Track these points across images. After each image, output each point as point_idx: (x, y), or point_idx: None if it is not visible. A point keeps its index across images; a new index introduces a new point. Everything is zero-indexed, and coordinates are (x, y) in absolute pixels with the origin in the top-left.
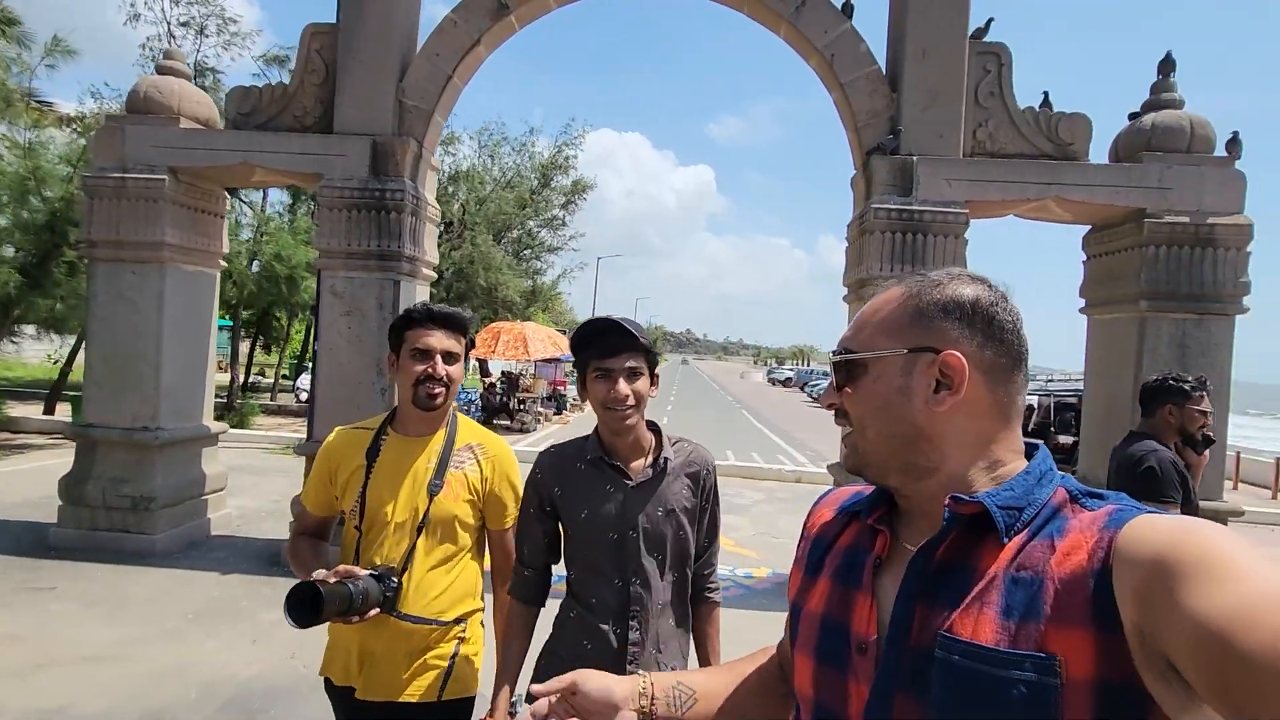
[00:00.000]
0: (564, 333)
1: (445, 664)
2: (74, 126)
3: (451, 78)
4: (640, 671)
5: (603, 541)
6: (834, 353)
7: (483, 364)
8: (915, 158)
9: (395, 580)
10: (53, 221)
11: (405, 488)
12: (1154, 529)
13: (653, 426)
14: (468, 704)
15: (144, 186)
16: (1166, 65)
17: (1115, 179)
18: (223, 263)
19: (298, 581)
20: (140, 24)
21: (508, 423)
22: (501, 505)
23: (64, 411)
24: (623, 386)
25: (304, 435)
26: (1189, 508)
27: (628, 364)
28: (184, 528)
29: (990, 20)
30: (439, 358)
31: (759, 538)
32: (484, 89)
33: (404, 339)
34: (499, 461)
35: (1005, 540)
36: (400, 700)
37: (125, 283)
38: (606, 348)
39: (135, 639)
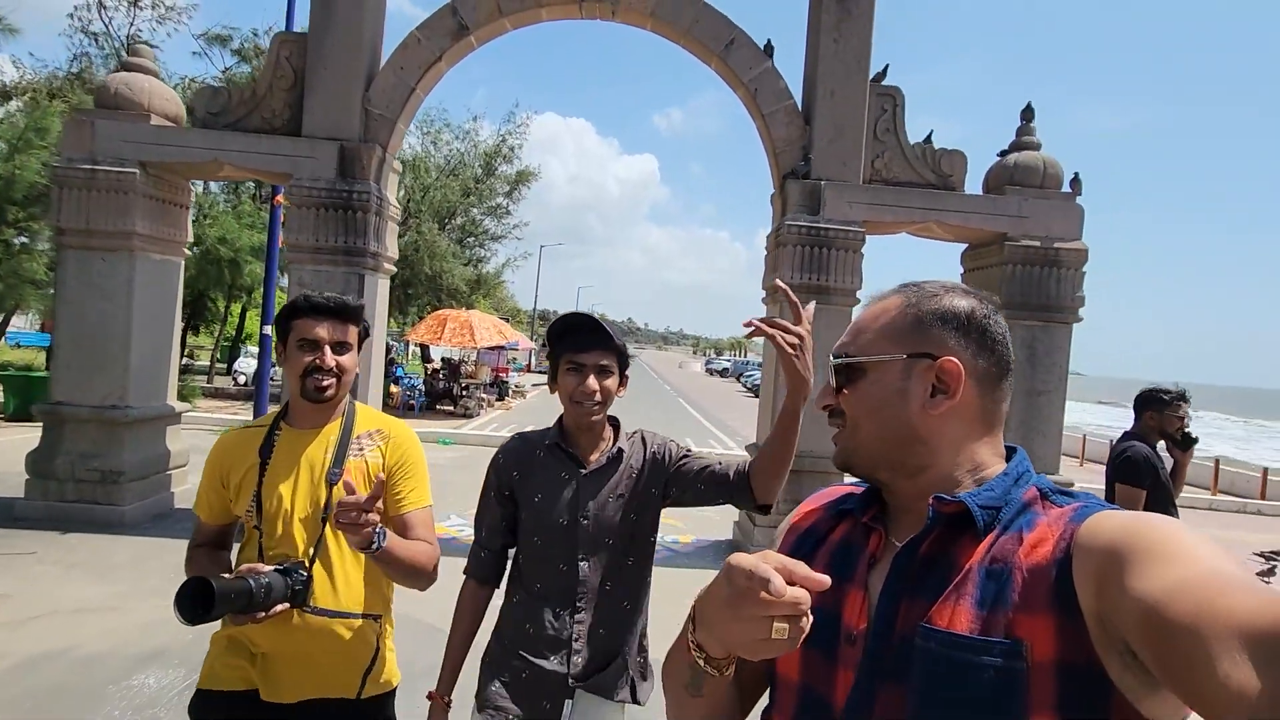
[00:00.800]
0: (506, 320)
1: (368, 659)
2: (18, 100)
3: (415, 89)
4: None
5: (553, 526)
6: (834, 356)
7: (424, 350)
8: (823, 182)
9: (304, 573)
10: None
11: (303, 480)
12: (1111, 521)
13: (612, 421)
14: (389, 697)
15: (115, 179)
16: (1028, 114)
17: (984, 207)
18: (186, 250)
19: (189, 577)
20: None
21: (450, 408)
22: (399, 490)
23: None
24: (592, 382)
25: (247, 417)
26: (1161, 493)
27: (600, 361)
28: (150, 500)
29: (886, 66)
30: (328, 348)
31: (683, 511)
32: None
33: (290, 329)
34: (401, 444)
35: (982, 537)
36: (318, 698)
37: (95, 270)
38: (581, 343)
39: (124, 594)
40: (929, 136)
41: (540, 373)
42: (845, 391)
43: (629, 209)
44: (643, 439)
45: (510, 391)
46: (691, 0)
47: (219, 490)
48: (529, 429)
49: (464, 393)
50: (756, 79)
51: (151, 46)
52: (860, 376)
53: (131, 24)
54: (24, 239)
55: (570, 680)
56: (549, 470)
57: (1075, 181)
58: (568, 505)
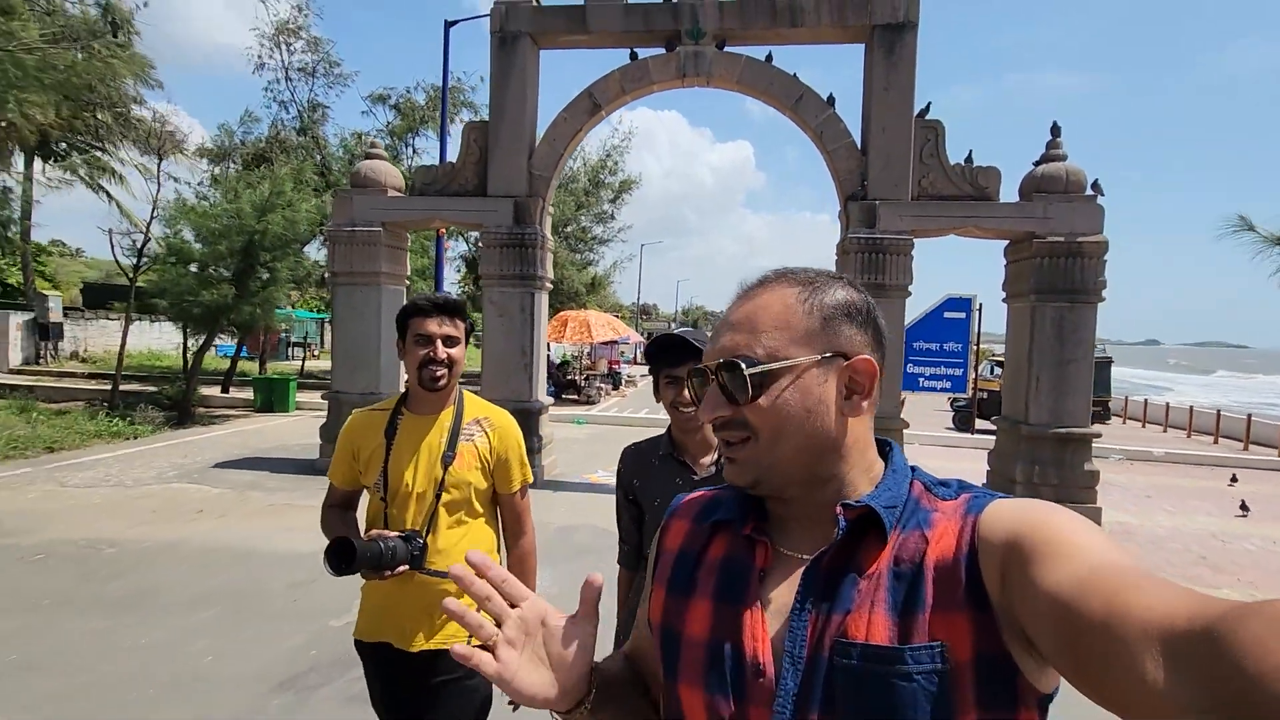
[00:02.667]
0: (619, 316)
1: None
2: (208, 157)
3: (562, 155)
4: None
5: None
6: (723, 363)
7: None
8: (877, 202)
9: (421, 540)
10: (248, 246)
11: (423, 460)
12: (1008, 513)
13: None
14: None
15: (366, 235)
16: (1055, 130)
17: (1014, 212)
18: (407, 280)
19: (335, 537)
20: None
21: (575, 396)
22: (508, 471)
23: (238, 391)
24: (688, 393)
25: None
26: None
27: None
28: None
29: (929, 104)
30: (439, 342)
31: None
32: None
33: (408, 327)
34: (504, 433)
35: (885, 539)
36: (437, 647)
37: (355, 299)
38: (674, 358)
39: None
40: (969, 156)
41: (644, 365)
42: (757, 402)
43: (724, 198)
44: None
45: (623, 381)
46: (766, 68)
47: (350, 462)
48: (639, 441)
49: (586, 383)
50: (821, 124)
51: (325, 108)
52: (771, 383)
53: (310, 90)
54: (267, 275)
55: None
56: (664, 477)
57: (1096, 185)
58: None
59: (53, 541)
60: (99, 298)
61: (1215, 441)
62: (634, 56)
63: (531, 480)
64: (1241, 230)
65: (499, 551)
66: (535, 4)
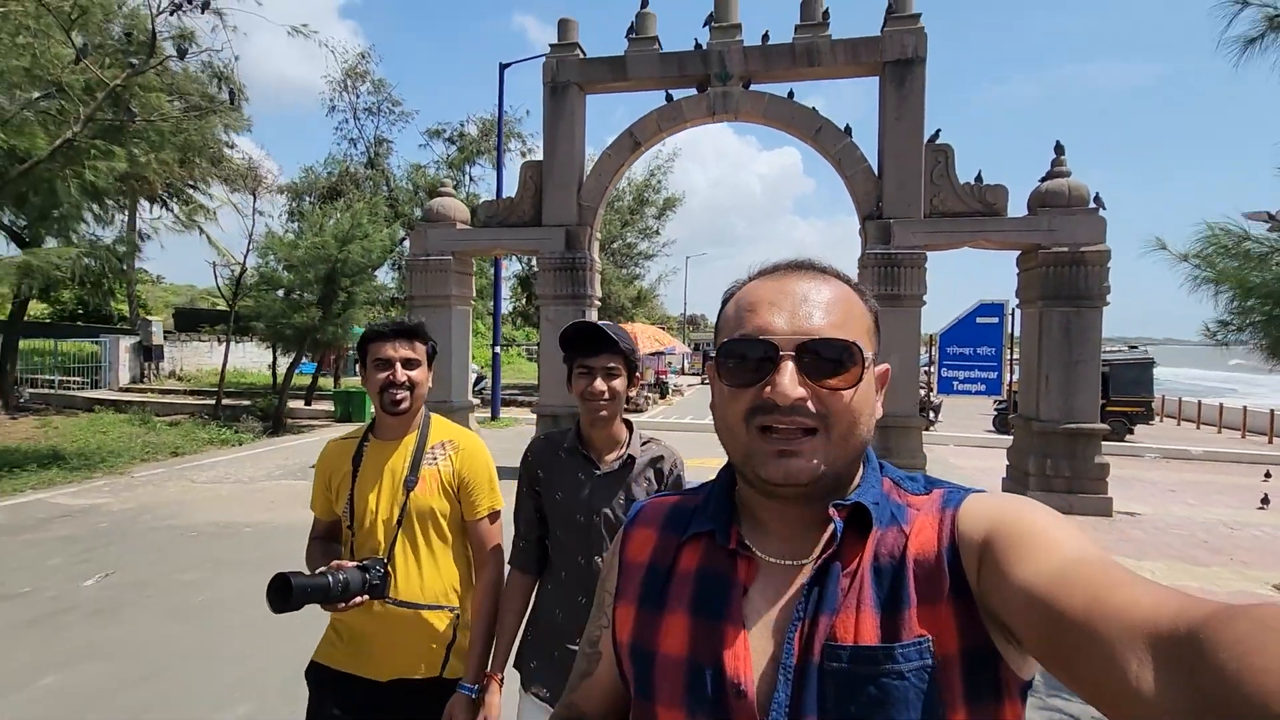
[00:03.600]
0: (659, 326)
1: (447, 644)
2: (288, 193)
3: (607, 186)
4: None
5: (572, 523)
6: (829, 341)
7: None
8: (892, 221)
9: (381, 569)
10: (330, 274)
11: (386, 486)
12: (985, 506)
13: (628, 425)
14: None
15: (439, 264)
16: (1059, 149)
17: (1020, 226)
18: (473, 301)
19: (276, 573)
20: (334, 112)
21: (625, 405)
22: (472, 496)
23: (318, 404)
24: (599, 384)
25: (486, 415)
26: None
27: (606, 364)
28: None
29: (938, 130)
30: (398, 365)
31: None
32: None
33: (367, 352)
34: (469, 455)
35: (865, 537)
36: (409, 678)
37: (429, 319)
38: (589, 348)
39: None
40: (978, 175)
41: (694, 374)
42: (842, 389)
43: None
44: (655, 453)
45: (670, 390)
46: (787, 103)
47: (324, 492)
48: (551, 431)
49: (634, 391)
50: (840, 151)
51: (389, 142)
52: (862, 374)
53: (376, 127)
54: (345, 298)
55: None
56: (568, 470)
57: (1097, 199)
58: (584, 504)
59: (201, 523)
60: (189, 321)
61: (1270, 440)
62: (669, 98)
63: (501, 507)
64: (1157, 249)
65: (468, 583)
66: (581, 56)
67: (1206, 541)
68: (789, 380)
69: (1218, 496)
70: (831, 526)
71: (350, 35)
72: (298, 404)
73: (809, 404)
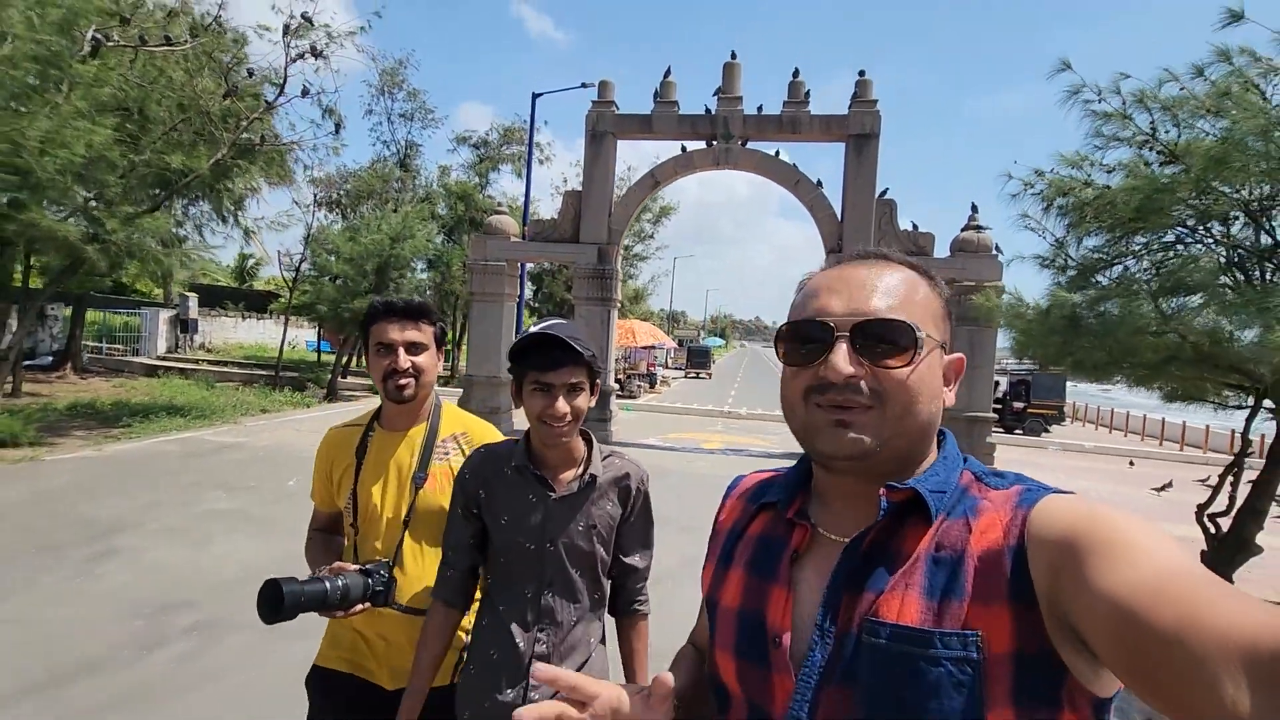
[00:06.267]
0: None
1: (458, 652)
2: (321, 186)
3: (631, 214)
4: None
5: (520, 550)
6: (884, 320)
7: None
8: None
9: (385, 574)
10: (383, 266)
11: (392, 482)
12: (1064, 508)
13: (585, 437)
14: None
15: (495, 268)
16: (974, 208)
17: (941, 265)
18: (516, 297)
19: (266, 580)
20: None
21: (619, 391)
22: None
23: (354, 379)
24: (561, 405)
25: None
26: None
27: (569, 380)
28: (510, 423)
29: (886, 189)
30: (401, 350)
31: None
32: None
33: (369, 334)
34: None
35: (929, 525)
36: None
37: (486, 311)
38: (548, 361)
39: None
40: (914, 224)
41: (677, 368)
42: (899, 368)
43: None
44: (619, 470)
45: (658, 380)
46: (774, 160)
47: (326, 483)
48: (492, 443)
49: (628, 380)
50: (811, 200)
51: (418, 146)
52: (913, 350)
53: (408, 133)
54: (393, 288)
55: None
56: (516, 491)
57: (997, 247)
58: (535, 530)
59: None
60: (211, 299)
61: (1142, 439)
62: (684, 149)
63: None
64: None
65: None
66: (615, 110)
67: None
68: (842, 358)
69: (1089, 477)
70: (883, 505)
71: (344, 11)
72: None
73: (863, 382)
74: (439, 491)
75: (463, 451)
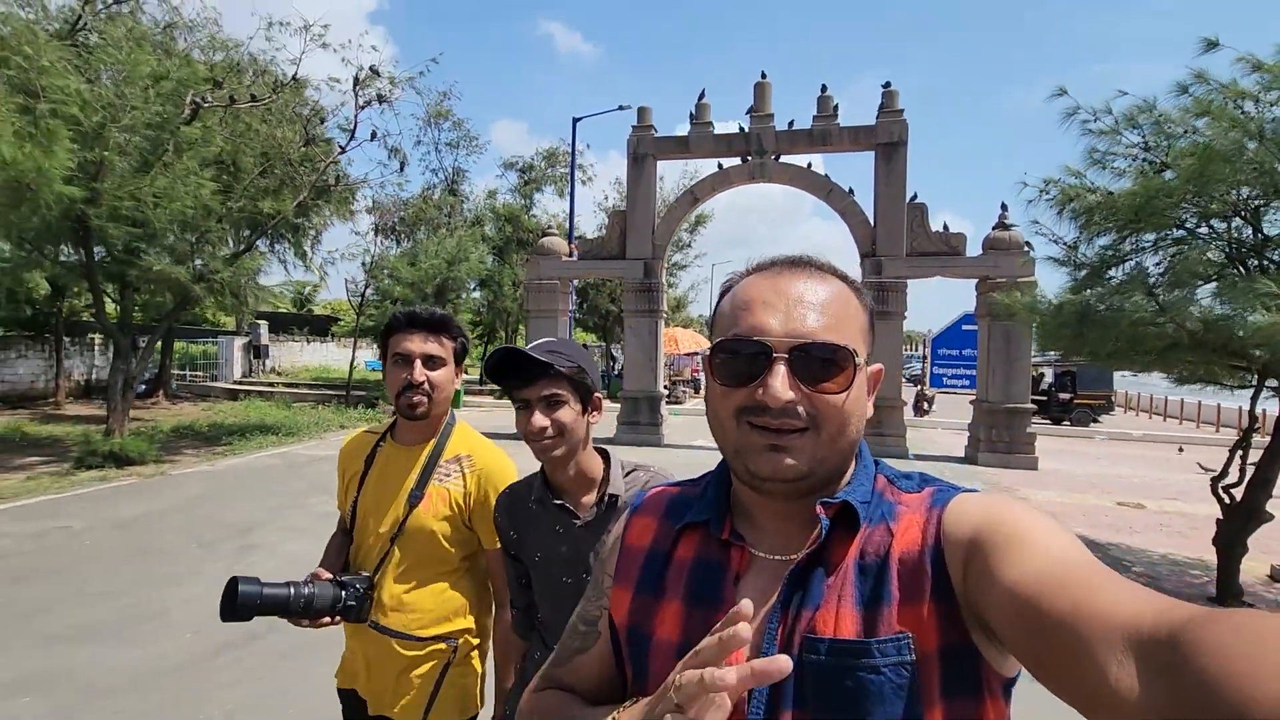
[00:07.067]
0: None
1: (432, 685)
2: (376, 214)
3: (673, 229)
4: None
5: (559, 585)
6: (821, 344)
7: None
8: (882, 258)
9: (360, 588)
10: (441, 289)
11: (390, 496)
12: (972, 507)
13: (604, 455)
14: None
15: (548, 285)
16: (1004, 207)
17: (973, 263)
18: (570, 311)
19: (231, 576)
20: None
21: (667, 397)
22: (489, 522)
23: None
24: (539, 418)
25: None
26: None
27: (543, 393)
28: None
29: (915, 193)
30: (418, 363)
31: None
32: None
33: (388, 345)
34: (486, 475)
35: (853, 535)
36: (389, 715)
37: (541, 327)
38: (522, 377)
39: None
40: (945, 226)
41: None
42: (836, 392)
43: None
44: (641, 479)
45: (702, 386)
46: (806, 172)
47: (343, 487)
48: (515, 483)
49: (673, 387)
50: (844, 208)
51: (465, 172)
52: (854, 376)
53: (454, 159)
54: (451, 309)
55: None
56: (542, 525)
57: (1028, 244)
58: (568, 562)
59: None
60: (275, 325)
61: (1197, 426)
62: (720, 167)
63: None
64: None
65: (483, 620)
66: (654, 134)
67: (1093, 485)
68: (780, 383)
69: (1132, 463)
70: (819, 524)
71: (381, 41)
72: None
73: (800, 406)
74: (432, 514)
75: (464, 476)
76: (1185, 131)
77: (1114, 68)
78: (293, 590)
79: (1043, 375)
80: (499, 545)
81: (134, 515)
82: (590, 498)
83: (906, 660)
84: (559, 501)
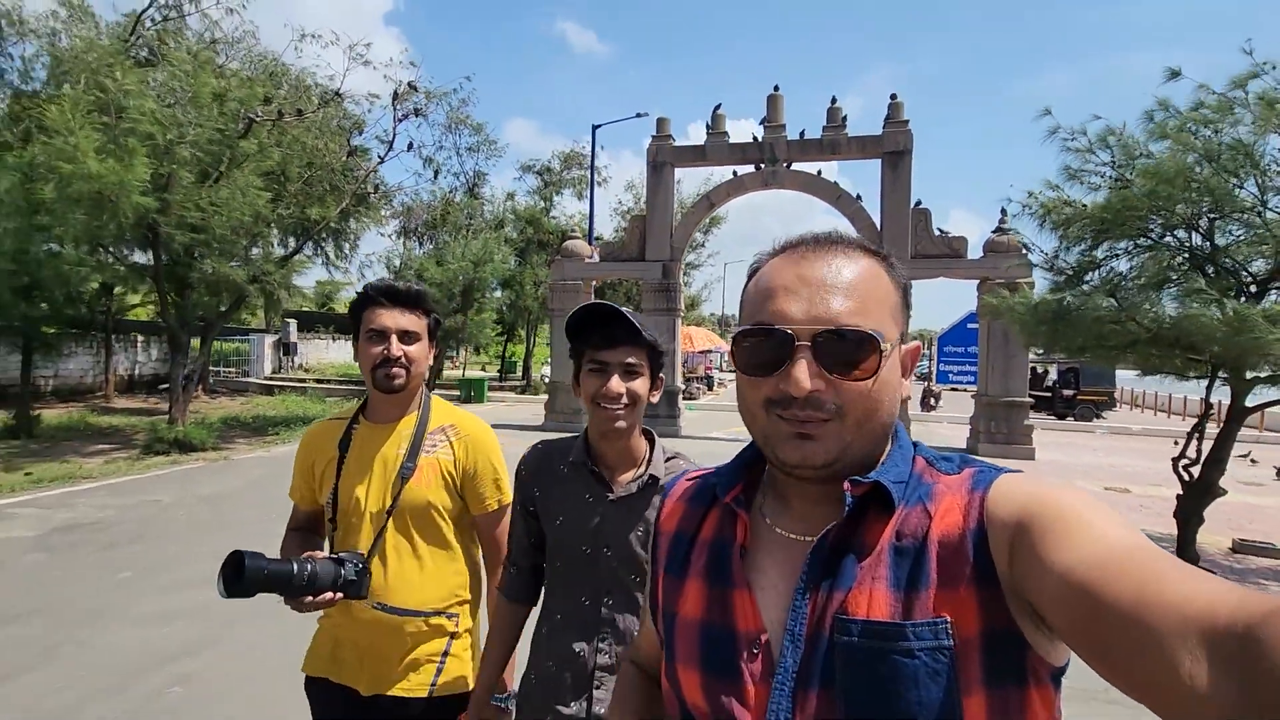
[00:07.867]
0: (712, 329)
1: (437, 659)
2: (400, 217)
3: (690, 233)
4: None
5: (575, 554)
6: (844, 332)
7: None
8: None
9: (359, 564)
10: (467, 289)
11: (377, 475)
12: (1016, 486)
13: (648, 436)
14: (462, 700)
15: (572, 285)
16: (1004, 211)
17: (973, 265)
18: None
19: (232, 550)
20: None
21: (683, 392)
22: (479, 488)
23: (439, 390)
24: (615, 384)
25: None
26: None
27: (626, 359)
28: None
29: (920, 200)
30: (394, 338)
31: None
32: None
33: (360, 320)
34: (473, 442)
35: (889, 516)
36: (390, 694)
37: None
38: (606, 338)
39: None
40: (944, 231)
41: (732, 371)
42: (863, 379)
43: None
44: (681, 467)
45: (716, 383)
46: (817, 179)
47: (307, 478)
48: (550, 438)
49: (687, 384)
50: (852, 213)
51: (485, 175)
52: (875, 357)
53: (475, 164)
54: (476, 307)
55: None
56: (573, 491)
57: (1025, 247)
58: (591, 533)
59: None
60: (302, 323)
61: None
62: (734, 174)
63: (510, 500)
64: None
65: (476, 590)
66: (672, 144)
67: (1087, 473)
68: (804, 373)
69: (1128, 455)
70: (848, 501)
71: (395, 43)
72: None
73: (825, 395)
74: (426, 485)
75: (451, 445)
76: (1139, 155)
77: (1156, 56)
78: (296, 565)
79: (1047, 372)
80: (489, 510)
81: (211, 493)
82: (628, 475)
83: (944, 645)
84: (596, 470)
